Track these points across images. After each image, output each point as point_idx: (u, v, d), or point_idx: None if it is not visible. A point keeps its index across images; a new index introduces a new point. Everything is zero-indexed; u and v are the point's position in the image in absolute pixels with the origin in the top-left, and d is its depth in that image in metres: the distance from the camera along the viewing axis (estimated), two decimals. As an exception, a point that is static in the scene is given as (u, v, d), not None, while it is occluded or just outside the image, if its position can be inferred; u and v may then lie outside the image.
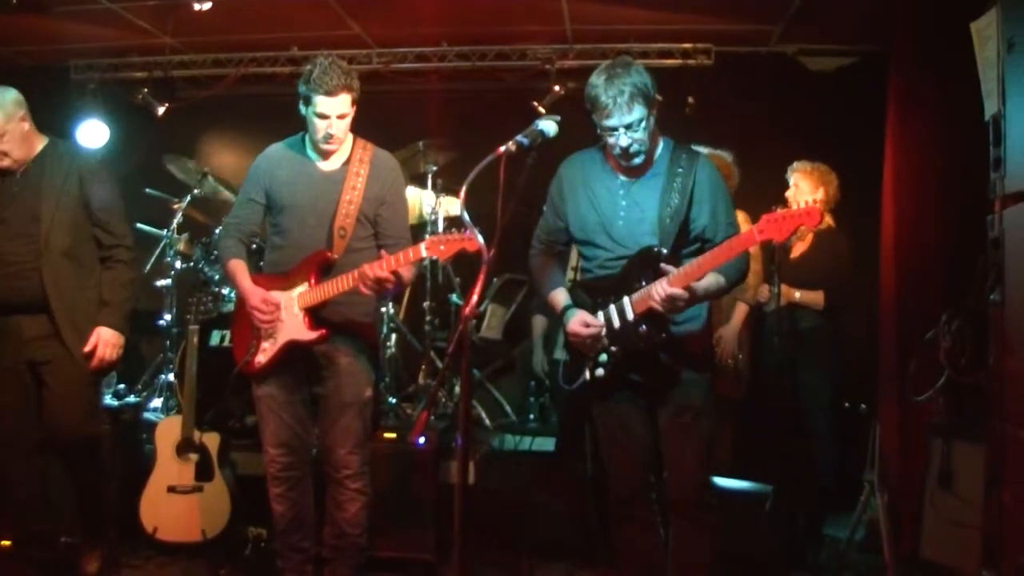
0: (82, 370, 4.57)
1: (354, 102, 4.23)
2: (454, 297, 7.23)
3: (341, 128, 4.23)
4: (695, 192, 3.83)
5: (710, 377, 4.01)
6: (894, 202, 5.41)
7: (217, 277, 6.50)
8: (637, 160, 3.82)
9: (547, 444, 6.48)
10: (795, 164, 5.76)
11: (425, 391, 6.74)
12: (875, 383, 5.69)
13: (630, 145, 3.74)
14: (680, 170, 3.85)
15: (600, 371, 3.88)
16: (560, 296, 4.06)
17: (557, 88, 7.51)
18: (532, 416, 7.40)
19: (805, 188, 5.63)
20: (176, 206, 6.86)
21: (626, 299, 3.80)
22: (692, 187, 3.82)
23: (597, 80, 3.73)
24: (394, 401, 6.36)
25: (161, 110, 7.99)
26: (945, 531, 4.56)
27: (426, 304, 7.01)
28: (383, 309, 6.65)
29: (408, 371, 7.12)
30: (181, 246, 6.66)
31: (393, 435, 5.43)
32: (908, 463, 5.09)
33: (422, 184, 7.14)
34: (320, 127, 4.20)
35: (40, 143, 4.65)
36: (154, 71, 8.09)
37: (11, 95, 4.53)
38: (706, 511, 3.93)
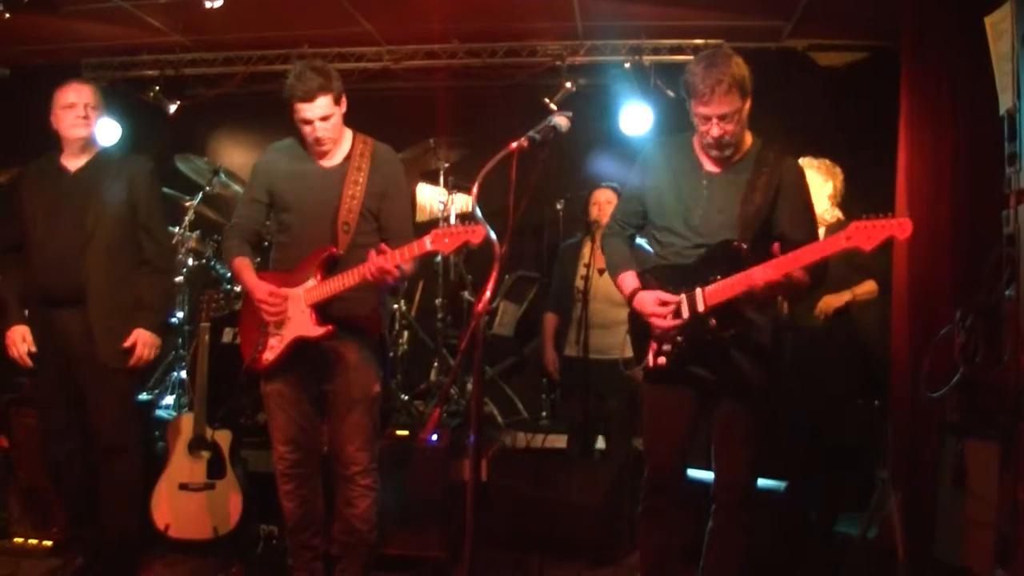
0: (111, 374, 4.60)
1: (337, 100, 4.24)
2: (466, 294, 7.22)
3: (328, 129, 4.24)
4: (780, 192, 3.82)
5: (770, 382, 3.95)
6: (907, 197, 5.37)
7: (229, 274, 6.51)
8: (728, 151, 3.83)
9: (559, 442, 6.48)
10: (800, 160, 5.72)
11: (437, 388, 6.73)
12: (888, 380, 5.66)
13: (722, 136, 3.74)
14: (766, 168, 3.83)
15: (662, 359, 3.86)
16: (629, 279, 4.02)
17: (568, 84, 7.48)
18: (544, 413, 7.39)
19: (814, 183, 5.58)
20: (187, 204, 6.87)
21: (698, 290, 3.76)
22: (778, 187, 3.82)
23: (696, 68, 3.74)
24: (405, 398, 6.37)
25: (172, 108, 8.02)
26: (959, 530, 4.53)
27: (438, 301, 7.00)
28: (395, 306, 6.65)
29: (420, 368, 7.12)
30: (192, 243, 6.67)
31: (405, 432, 5.43)
32: (921, 461, 5.06)
33: (433, 181, 7.14)
34: (307, 132, 4.24)
35: (97, 147, 4.81)
36: (165, 69, 8.12)
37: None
38: (747, 511, 3.95)
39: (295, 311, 4.22)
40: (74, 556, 4.83)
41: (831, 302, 5.50)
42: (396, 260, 3.97)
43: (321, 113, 4.19)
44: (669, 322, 3.80)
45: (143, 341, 4.63)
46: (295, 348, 4.24)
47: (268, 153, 4.50)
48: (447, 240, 3.87)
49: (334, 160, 4.36)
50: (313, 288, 4.19)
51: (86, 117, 4.66)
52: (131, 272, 4.70)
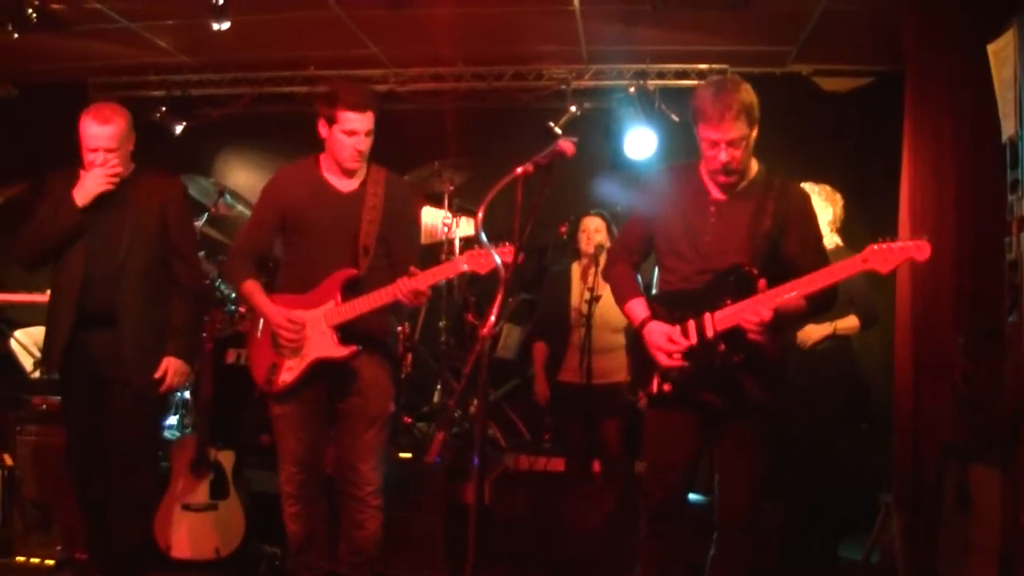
0: (139, 397, 4.54)
1: (375, 122, 4.28)
2: (470, 316, 7.22)
3: (367, 145, 4.26)
4: (788, 218, 3.81)
5: (777, 404, 3.93)
6: (910, 222, 5.39)
7: (233, 295, 6.52)
8: (733, 178, 3.81)
9: (562, 464, 6.48)
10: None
11: (440, 410, 6.72)
12: (891, 403, 5.67)
13: (729, 161, 3.72)
14: (773, 194, 3.82)
15: (668, 385, 3.82)
16: (639, 307, 3.96)
17: (573, 109, 7.51)
18: (547, 436, 7.37)
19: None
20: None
21: (707, 315, 3.73)
22: (785, 213, 3.80)
23: (705, 92, 3.74)
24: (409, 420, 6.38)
25: (179, 128, 8.06)
26: (961, 553, 4.53)
27: (442, 323, 7.01)
28: (399, 328, 6.67)
29: (424, 390, 7.12)
30: (197, 264, 6.66)
31: (408, 454, 5.43)
32: (924, 484, 5.06)
33: (438, 204, 7.15)
34: (348, 144, 4.21)
35: (130, 166, 4.70)
36: (172, 90, 8.16)
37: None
38: (749, 536, 3.93)
39: (314, 332, 4.22)
40: (94, 572, 4.82)
41: (811, 333, 5.50)
42: (430, 281, 4.05)
43: (369, 127, 4.23)
44: (675, 361, 3.76)
45: (173, 370, 4.56)
46: (314, 368, 4.24)
47: (281, 176, 4.49)
48: (483, 260, 3.95)
49: (351, 185, 4.37)
50: (334, 309, 4.18)
51: (105, 164, 4.48)
52: (162, 294, 4.62)
